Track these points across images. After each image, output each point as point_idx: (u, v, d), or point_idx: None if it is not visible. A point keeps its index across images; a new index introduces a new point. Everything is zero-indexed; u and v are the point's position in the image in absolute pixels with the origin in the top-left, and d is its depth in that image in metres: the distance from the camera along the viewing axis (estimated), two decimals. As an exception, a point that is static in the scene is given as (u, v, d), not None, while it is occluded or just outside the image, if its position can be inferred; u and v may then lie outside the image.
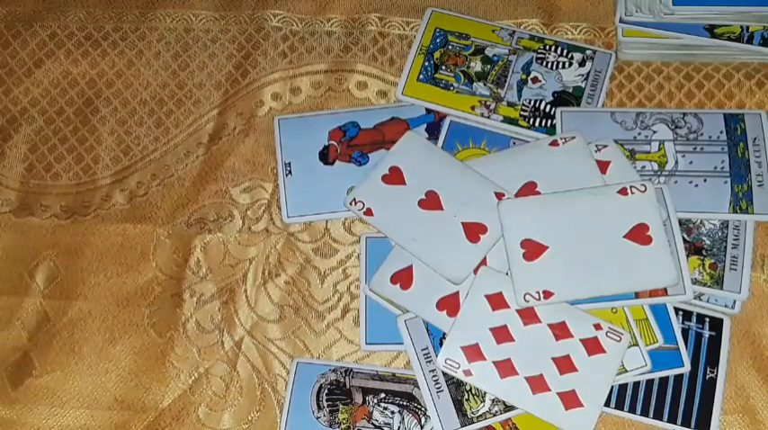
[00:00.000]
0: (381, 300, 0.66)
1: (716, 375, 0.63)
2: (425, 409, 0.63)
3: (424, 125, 0.72)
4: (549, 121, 0.71)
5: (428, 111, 0.73)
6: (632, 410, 0.63)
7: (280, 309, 0.69)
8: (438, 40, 0.75)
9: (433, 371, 0.63)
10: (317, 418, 0.64)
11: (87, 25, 0.80)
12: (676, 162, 0.69)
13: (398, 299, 0.65)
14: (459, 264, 0.64)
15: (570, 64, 0.73)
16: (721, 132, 0.69)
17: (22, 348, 0.68)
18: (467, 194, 0.66)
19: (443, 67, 0.74)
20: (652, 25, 0.73)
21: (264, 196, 0.72)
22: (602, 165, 0.67)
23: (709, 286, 0.65)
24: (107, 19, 0.80)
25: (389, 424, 0.63)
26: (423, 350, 0.64)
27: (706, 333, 0.64)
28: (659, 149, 0.69)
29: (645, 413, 0.62)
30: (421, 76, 0.74)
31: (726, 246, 0.66)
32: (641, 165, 0.69)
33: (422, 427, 0.63)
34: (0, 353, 0.68)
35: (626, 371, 0.62)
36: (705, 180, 0.68)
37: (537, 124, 0.71)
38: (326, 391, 0.64)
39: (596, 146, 0.68)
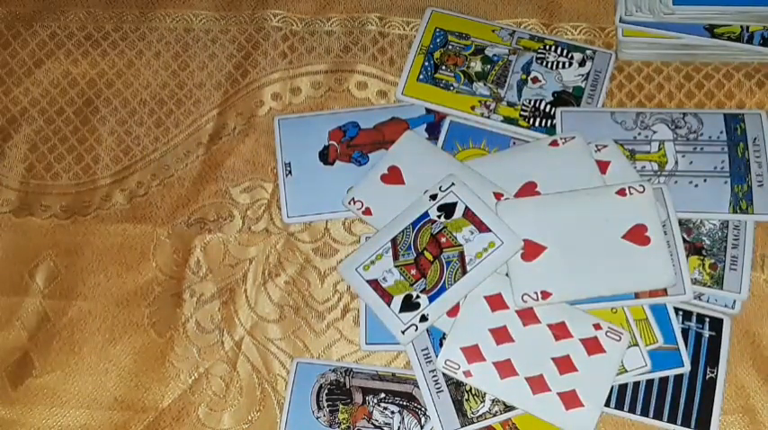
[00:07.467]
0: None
1: (716, 375, 0.63)
2: (425, 409, 0.63)
3: (424, 125, 0.72)
4: (549, 121, 0.71)
5: (428, 111, 0.73)
6: (632, 410, 0.63)
7: (280, 309, 0.69)
8: (438, 40, 0.75)
9: (433, 371, 0.63)
10: (317, 418, 0.64)
11: (87, 25, 0.80)
12: (676, 162, 0.69)
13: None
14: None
15: (570, 64, 0.73)
16: (721, 132, 0.69)
17: (22, 348, 0.68)
18: (466, 194, 0.66)
19: (443, 67, 0.74)
20: (652, 25, 0.73)
21: (264, 196, 0.72)
22: (602, 165, 0.67)
23: (709, 286, 0.65)
24: (107, 19, 0.80)
25: (389, 424, 0.63)
26: (423, 350, 0.64)
27: (706, 333, 0.64)
28: (659, 149, 0.69)
29: (645, 413, 0.62)
30: (421, 76, 0.74)
31: (726, 246, 0.66)
32: (641, 166, 0.69)
33: (422, 427, 0.63)
34: (0, 353, 0.68)
35: (626, 371, 0.62)
36: (705, 180, 0.68)
37: (537, 124, 0.71)
38: (326, 391, 0.64)
39: (596, 146, 0.68)
